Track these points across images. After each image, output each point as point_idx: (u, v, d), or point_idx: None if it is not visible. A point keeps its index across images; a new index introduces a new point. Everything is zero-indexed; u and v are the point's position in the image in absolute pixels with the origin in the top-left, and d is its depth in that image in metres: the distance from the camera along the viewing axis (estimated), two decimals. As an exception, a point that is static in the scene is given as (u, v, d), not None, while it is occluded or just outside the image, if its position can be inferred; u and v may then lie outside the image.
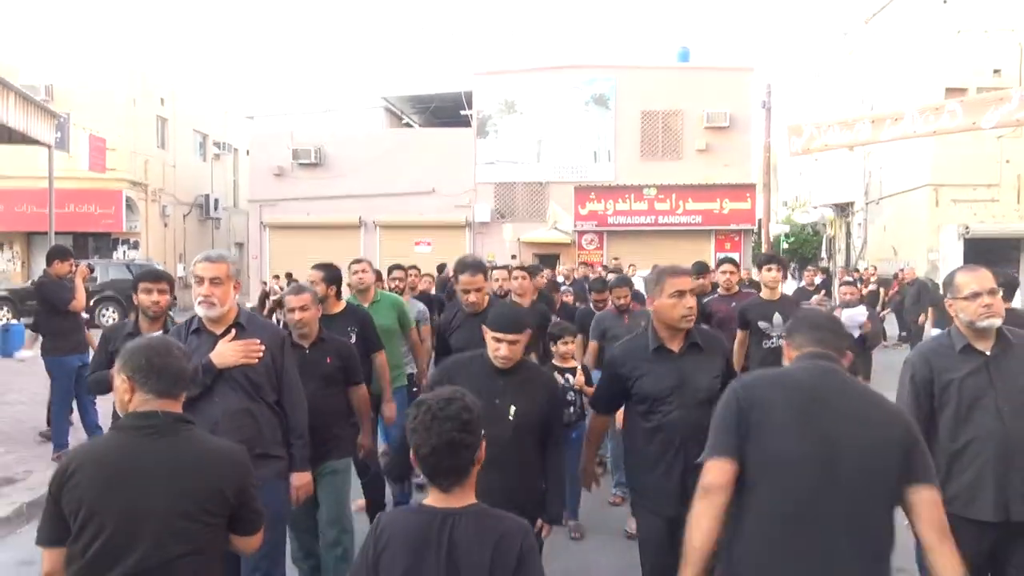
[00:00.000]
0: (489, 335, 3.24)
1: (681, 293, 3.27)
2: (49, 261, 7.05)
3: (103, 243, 24.55)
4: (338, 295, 4.95)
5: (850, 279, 10.49)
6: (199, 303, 3.27)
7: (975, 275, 3.12)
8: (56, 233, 12.01)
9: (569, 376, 5.07)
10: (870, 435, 2.22)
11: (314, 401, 3.67)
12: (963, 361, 3.08)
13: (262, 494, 3.21)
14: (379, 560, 1.95)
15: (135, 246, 24.61)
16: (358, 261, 5.61)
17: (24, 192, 21.98)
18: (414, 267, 8.46)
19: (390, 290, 6.69)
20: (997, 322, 3.05)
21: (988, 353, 3.07)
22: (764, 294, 5.83)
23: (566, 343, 5.17)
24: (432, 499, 2.01)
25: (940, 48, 21.04)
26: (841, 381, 2.33)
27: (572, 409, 5.06)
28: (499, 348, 3.20)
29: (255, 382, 3.29)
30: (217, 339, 3.31)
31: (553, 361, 5.20)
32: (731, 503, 2.27)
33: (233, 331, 3.32)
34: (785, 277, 7.40)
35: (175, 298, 4.95)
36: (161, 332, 3.99)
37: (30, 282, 20.56)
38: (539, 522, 3.24)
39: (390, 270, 7.27)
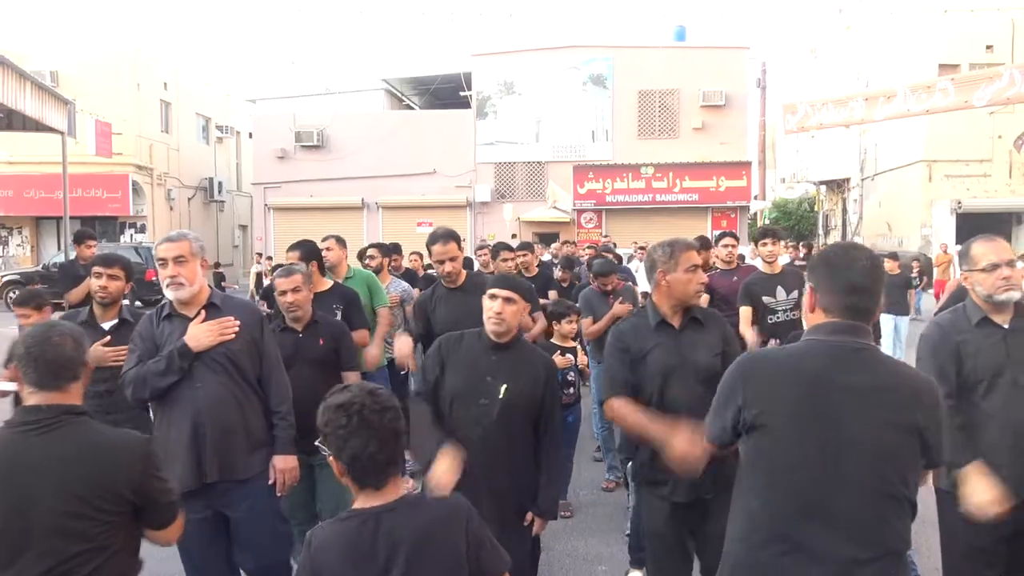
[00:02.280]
0: (486, 297, 3.14)
1: (696, 267, 3.13)
2: (75, 243, 7.30)
3: (109, 227, 24.91)
4: (321, 271, 4.83)
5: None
6: (167, 286, 3.13)
7: (993, 246, 2.94)
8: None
9: (570, 355, 5.04)
10: (884, 427, 1.99)
11: (311, 386, 3.42)
12: (980, 335, 2.94)
13: (254, 488, 3.18)
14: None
15: (142, 230, 24.97)
16: (325, 239, 5.42)
17: (32, 177, 22.38)
18: (397, 244, 8.20)
19: (364, 267, 6.46)
20: (1016, 295, 2.89)
21: (1006, 327, 2.92)
22: (764, 268, 5.72)
23: (571, 322, 5.15)
24: (361, 502, 1.87)
25: (933, 25, 21.26)
26: (860, 363, 2.04)
27: (572, 390, 5.02)
28: (492, 305, 3.08)
29: (237, 363, 3.17)
30: (192, 320, 3.16)
31: (552, 340, 5.13)
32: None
33: (203, 312, 3.18)
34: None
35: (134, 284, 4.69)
36: (117, 320, 3.95)
37: (41, 266, 21.01)
38: (528, 514, 3.09)
39: (367, 248, 7.01)
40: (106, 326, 3.92)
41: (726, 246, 6.22)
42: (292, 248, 4.79)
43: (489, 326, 3.09)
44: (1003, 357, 2.88)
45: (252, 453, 3.20)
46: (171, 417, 3.16)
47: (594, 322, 5.83)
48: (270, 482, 3.27)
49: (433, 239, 4.32)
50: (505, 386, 3.02)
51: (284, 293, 3.93)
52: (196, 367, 3.10)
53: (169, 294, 3.14)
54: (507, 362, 3.09)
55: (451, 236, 4.34)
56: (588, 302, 6.02)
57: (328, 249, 5.31)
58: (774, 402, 2.02)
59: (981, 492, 2.62)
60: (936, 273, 17.23)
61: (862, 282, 2.09)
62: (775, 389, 2.04)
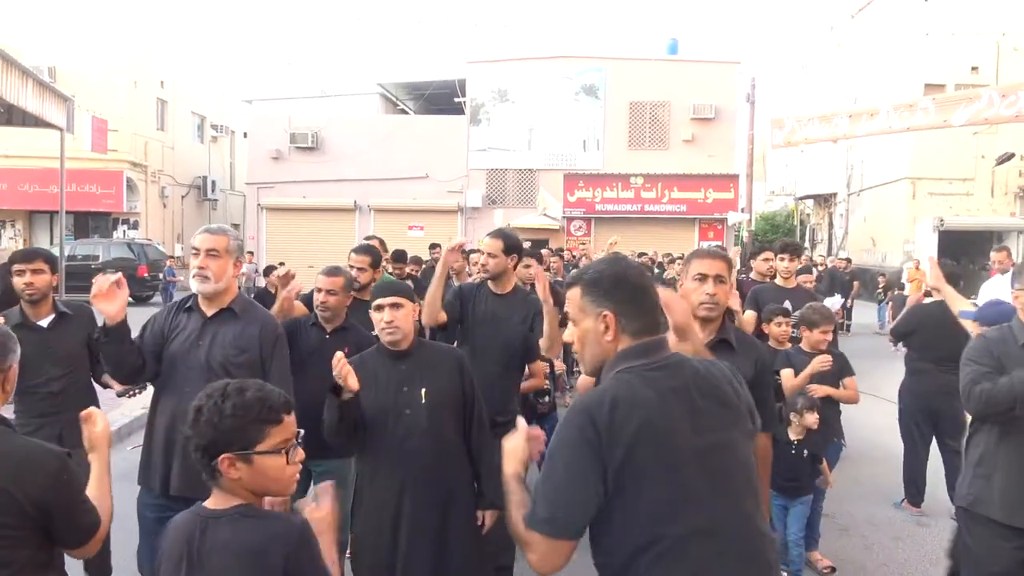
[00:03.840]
0: (372, 311, 3.02)
1: (703, 277, 2.78)
2: None
3: (103, 223, 25.08)
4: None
5: (805, 267, 10.45)
6: (193, 276, 3.06)
7: None
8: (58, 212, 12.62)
9: (544, 363, 4.94)
10: (736, 427, 1.86)
11: (321, 391, 3.31)
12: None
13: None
14: (159, 571, 1.77)
15: (135, 226, 25.16)
16: (368, 238, 5.26)
17: (27, 171, 22.54)
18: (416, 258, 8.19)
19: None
20: None
21: None
22: (778, 281, 5.75)
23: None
24: (209, 499, 1.81)
25: (920, 45, 21.69)
26: (692, 377, 1.84)
27: (547, 398, 4.97)
28: (382, 316, 2.95)
29: (231, 375, 2.92)
30: (207, 321, 3.08)
31: None
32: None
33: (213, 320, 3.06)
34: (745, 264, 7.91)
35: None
36: (53, 316, 3.75)
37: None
38: (480, 514, 3.03)
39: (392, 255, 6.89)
40: (44, 323, 3.75)
41: (782, 259, 5.77)
42: (361, 251, 4.65)
43: (384, 337, 2.98)
44: None
45: None
46: (155, 421, 3.12)
47: None
48: None
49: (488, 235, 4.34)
50: (424, 389, 2.93)
51: (320, 290, 3.88)
52: (187, 374, 2.99)
53: (193, 285, 3.08)
54: (416, 366, 2.99)
55: (500, 235, 4.22)
56: None
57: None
58: (661, 446, 1.72)
59: None
60: (909, 289, 17.44)
61: (656, 298, 1.93)
62: (654, 431, 1.72)
